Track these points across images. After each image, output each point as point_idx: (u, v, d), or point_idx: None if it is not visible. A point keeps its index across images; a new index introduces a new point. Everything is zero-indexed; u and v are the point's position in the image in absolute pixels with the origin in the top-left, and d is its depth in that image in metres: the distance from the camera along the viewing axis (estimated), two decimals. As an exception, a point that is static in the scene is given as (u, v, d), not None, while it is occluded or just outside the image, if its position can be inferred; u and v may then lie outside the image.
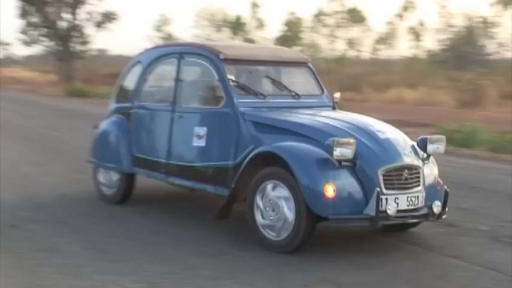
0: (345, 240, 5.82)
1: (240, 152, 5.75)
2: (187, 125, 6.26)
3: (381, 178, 5.16)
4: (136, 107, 6.89)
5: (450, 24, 36.36)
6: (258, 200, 5.41)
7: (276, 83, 6.45)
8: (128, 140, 6.85)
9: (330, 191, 5.01)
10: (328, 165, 5.14)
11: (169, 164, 6.41)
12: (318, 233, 5.42)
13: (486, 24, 35.41)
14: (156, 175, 6.64)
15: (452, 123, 12.85)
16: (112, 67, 34.33)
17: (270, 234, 5.35)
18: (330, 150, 5.12)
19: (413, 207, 5.30)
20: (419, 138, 5.72)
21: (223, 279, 4.72)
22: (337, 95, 6.59)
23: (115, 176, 6.99)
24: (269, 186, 5.36)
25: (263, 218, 5.40)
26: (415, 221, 5.49)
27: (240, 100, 5.91)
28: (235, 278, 4.76)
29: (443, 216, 5.51)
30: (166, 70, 6.76)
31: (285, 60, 6.72)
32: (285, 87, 6.41)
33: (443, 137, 5.81)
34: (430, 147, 5.62)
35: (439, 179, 5.74)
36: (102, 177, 7.16)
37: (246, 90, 6.07)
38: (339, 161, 5.15)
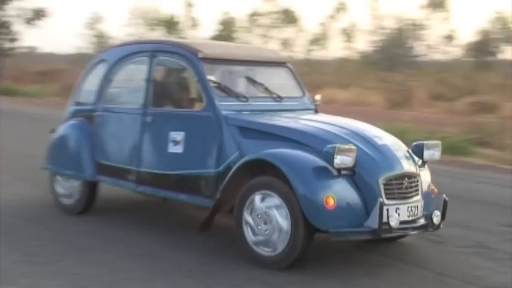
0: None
1: (223, 160, 5.33)
2: (161, 130, 5.77)
3: (381, 187, 4.85)
4: (100, 109, 6.35)
5: (381, 26, 37.11)
6: (247, 216, 5.01)
7: (257, 84, 6.04)
8: (91, 145, 6.33)
9: (330, 202, 4.67)
10: (328, 174, 4.79)
11: (140, 172, 5.90)
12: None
13: (415, 26, 36.24)
14: (123, 183, 6.12)
15: (381, 123, 13.06)
16: (42, 65, 33.61)
17: (265, 251, 4.94)
18: (329, 158, 4.77)
19: (413, 217, 5.02)
20: (414, 143, 5.47)
21: (152, 281, 4.66)
22: (317, 97, 6.27)
23: (75, 184, 6.47)
24: (257, 198, 4.96)
25: (254, 234, 4.98)
26: (415, 232, 5.17)
27: (221, 103, 5.46)
28: (165, 279, 4.70)
29: (441, 227, 5.19)
30: (136, 70, 6.29)
31: (264, 60, 6.31)
32: (267, 89, 6.01)
33: (439, 142, 5.53)
34: (426, 154, 5.36)
35: (434, 187, 5.53)
36: (60, 186, 6.62)
37: (226, 92, 5.63)
38: (339, 170, 4.81)
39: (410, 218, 4.98)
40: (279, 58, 6.58)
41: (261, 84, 6.02)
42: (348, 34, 39.93)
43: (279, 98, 5.98)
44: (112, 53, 6.63)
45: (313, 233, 4.83)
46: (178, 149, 5.59)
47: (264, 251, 4.93)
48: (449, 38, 36.61)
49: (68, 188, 6.54)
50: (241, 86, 5.96)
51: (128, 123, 6.08)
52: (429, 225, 5.07)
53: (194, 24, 42.22)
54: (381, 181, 4.86)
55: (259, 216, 4.94)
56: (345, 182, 4.81)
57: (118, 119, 6.22)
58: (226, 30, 40.53)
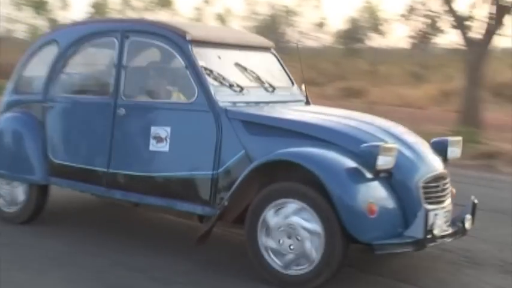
0: (135, 225, 5.86)
1: (224, 160, 4.58)
2: (138, 124, 4.95)
3: (421, 191, 4.32)
4: (51, 99, 5.39)
5: (255, 12, 37.45)
6: (264, 240, 4.31)
7: (248, 72, 5.20)
8: (41, 141, 5.36)
9: (373, 209, 4.07)
10: (367, 177, 4.19)
11: (110, 174, 5.02)
12: (111, 218, 5.72)
13: (288, 13, 36.86)
14: (88, 187, 5.23)
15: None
16: None
17: (298, 270, 4.24)
18: (370, 158, 4.17)
19: (448, 223, 4.51)
20: (434, 140, 4.92)
21: (12, 270, 4.48)
22: (303, 87, 5.61)
23: (20, 189, 5.54)
24: (270, 214, 4.29)
25: (280, 256, 4.28)
26: (450, 240, 4.53)
27: (218, 93, 4.70)
28: (25, 267, 4.53)
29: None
30: (100, 53, 5.51)
31: (250, 44, 5.51)
32: (258, 77, 5.21)
33: (461, 138, 4.99)
34: (450, 151, 4.83)
35: (452, 189, 4.87)
36: None
37: (220, 80, 4.85)
38: (377, 172, 4.22)
39: (446, 224, 4.48)
40: (264, 43, 5.74)
41: (252, 72, 5.23)
42: (222, 19, 40.03)
43: (272, 88, 5.24)
44: (65, 33, 5.66)
45: (348, 246, 4.20)
46: (163, 147, 4.79)
47: (298, 271, 4.23)
48: (320, 25, 37.53)
49: (9, 193, 5.62)
50: (232, 74, 5.07)
51: (92, 115, 5.21)
52: (461, 230, 4.55)
53: (64, 6, 40.79)
54: (420, 184, 4.34)
55: (280, 230, 4.25)
56: (384, 186, 4.23)
57: (78, 111, 5.32)
58: (98, 13, 39.49)
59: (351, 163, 4.19)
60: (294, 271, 4.23)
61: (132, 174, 4.94)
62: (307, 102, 5.48)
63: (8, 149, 5.56)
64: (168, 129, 4.76)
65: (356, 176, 4.16)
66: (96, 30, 5.42)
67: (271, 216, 4.26)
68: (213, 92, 4.67)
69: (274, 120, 4.63)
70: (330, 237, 4.06)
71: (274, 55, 5.67)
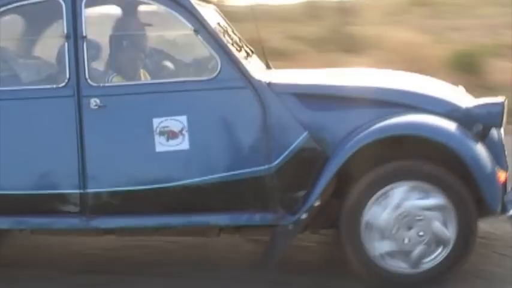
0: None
1: (281, 148, 3.49)
2: (124, 118, 3.51)
3: None
4: None
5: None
6: (372, 214, 3.44)
7: (232, 33, 3.95)
8: None
9: (501, 175, 3.55)
10: (482, 141, 3.59)
11: (89, 197, 3.51)
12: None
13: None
14: (51, 222, 3.58)
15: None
16: None
17: (397, 266, 3.49)
18: (492, 119, 3.55)
19: None
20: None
21: None
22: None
23: None
24: (401, 190, 3.44)
25: (382, 240, 3.47)
26: None
27: (243, 63, 3.55)
28: None
29: None
30: (35, 21, 3.93)
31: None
32: (240, 40, 4.01)
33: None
34: None
35: None
36: None
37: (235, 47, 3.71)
38: (486, 134, 3.63)
39: None
40: None
41: (234, 34, 4.02)
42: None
43: (251, 53, 4.03)
44: None
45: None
46: (179, 144, 3.47)
47: (395, 266, 3.50)
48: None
49: None
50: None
51: (39, 115, 3.53)
52: None
53: None
54: None
55: (404, 217, 3.44)
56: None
57: (9, 114, 3.53)
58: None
59: (464, 129, 3.49)
60: (428, 264, 3.48)
61: (131, 189, 3.51)
62: (269, 67, 4.31)
63: None
64: (183, 118, 3.46)
65: (478, 141, 3.50)
66: None
67: (377, 214, 3.43)
68: (242, 62, 3.50)
69: (337, 89, 3.63)
70: (459, 207, 3.39)
71: (217, 10, 4.22)
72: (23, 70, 3.71)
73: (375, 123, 3.42)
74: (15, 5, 3.52)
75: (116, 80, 3.58)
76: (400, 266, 3.46)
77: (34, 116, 3.50)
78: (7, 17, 3.63)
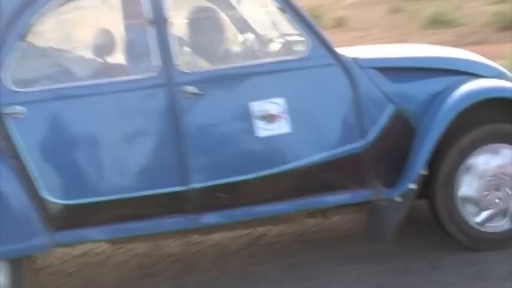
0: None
1: (371, 123, 3.45)
2: (223, 105, 3.29)
3: None
4: (15, 100, 3.06)
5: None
6: (464, 190, 3.51)
7: None
8: (18, 177, 3.06)
9: None
10: None
11: (197, 191, 3.23)
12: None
13: None
14: (149, 226, 3.24)
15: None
16: None
17: (492, 227, 3.57)
18: None
19: None
20: None
21: None
22: None
23: None
24: (482, 158, 3.52)
25: (479, 211, 3.55)
26: None
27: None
28: None
29: None
30: (107, 5, 3.53)
31: None
32: None
33: None
34: None
35: None
36: None
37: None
38: None
39: None
40: None
41: None
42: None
43: None
44: None
45: None
46: (280, 127, 3.32)
47: (491, 228, 3.57)
48: None
49: None
50: None
51: (131, 110, 3.21)
52: None
53: None
54: None
55: (489, 181, 3.51)
56: None
57: (86, 110, 3.16)
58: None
59: None
60: (492, 228, 3.55)
61: (238, 180, 3.27)
62: None
63: None
64: (281, 100, 3.31)
65: None
66: None
67: (483, 160, 3.50)
68: (327, 38, 3.40)
69: (413, 61, 3.69)
70: None
71: None
72: (102, 61, 3.39)
73: (455, 90, 3.46)
74: None
75: (201, 64, 3.39)
76: (471, 218, 3.51)
77: (125, 110, 3.20)
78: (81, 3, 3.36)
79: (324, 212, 3.59)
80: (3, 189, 3.00)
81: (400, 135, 3.47)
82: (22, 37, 3.06)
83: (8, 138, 3.04)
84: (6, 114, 3.03)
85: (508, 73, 3.85)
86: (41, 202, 3.06)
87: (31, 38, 3.11)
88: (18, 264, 3.09)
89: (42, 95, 3.09)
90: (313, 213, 3.58)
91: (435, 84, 3.56)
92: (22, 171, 3.04)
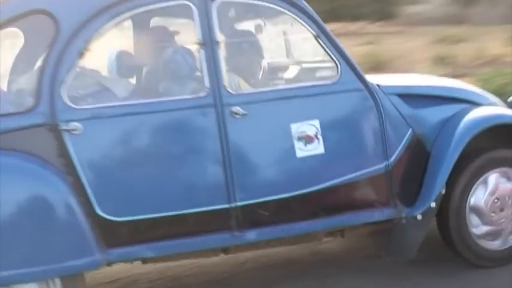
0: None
1: (394, 145, 3.66)
2: (268, 125, 3.42)
3: None
4: (72, 116, 3.06)
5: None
6: (473, 201, 3.80)
7: None
8: (74, 192, 3.03)
9: None
10: None
11: (240, 209, 3.33)
12: None
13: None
14: (202, 242, 3.31)
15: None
16: None
17: (490, 244, 3.86)
18: None
19: None
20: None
21: None
22: None
23: None
24: (495, 177, 3.81)
25: (482, 224, 3.82)
26: None
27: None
28: None
29: None
30: (159, 26, 3.67)
31: None
32: None
33: None
34: None
35: None
36: None
37: None
38: None
39: None
40: None
41: None
42: None
43: None
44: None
45: None
46: (316, 148, 3.48)
47: (489, 244, 3.85)
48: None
49: None
50: None
51: (175, 129, 3.28)
52: None
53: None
54: None
55: (497, 201, 3.80)
56: None
57: (141, 128, 3.22)
58: None
59: None
60: (485, 244, 3.85)
61: (278, 198, 3.39)
62: None
63: (8, 231, 2.94)
64: (316, 122, 3.48)
65: None
66: None
67: (496, 180, 3.81)
68: (356, 65, 3.62)
69: (426, 89, 4.00)
70: None
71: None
72: (156, 79, 3.50)
73: (465, 116, 3.79)
74: (142, 9, 3.25)
75: (241, 86, 3.50)
76: (493, 243, 3.83)
77: (174, 129, 3.28)
78: (135, 22, 3.50)
79: (342, 231, 3.76)
80: (60, 205, 3.00)
81: (417, 157, 3.71)
82: (80, 55, 3.10)
83: (64, 155, 3.04)
84: (63, 130, 3.05)
85: (498, 101, 4.19)
86: (95, 219, 3.06)
87: (87, 56, 3.15)
88: (70, 282, 3.07)
89: (97, 112, 3.12)
90: (332, 232, 3.74)
91: (444, 111, 3.85)
92: (78, 188, 3.05)
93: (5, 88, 3.31)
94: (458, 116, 3.81)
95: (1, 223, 2.89)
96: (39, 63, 3.11)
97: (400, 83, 4.02)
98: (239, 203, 3.32)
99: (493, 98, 4.22)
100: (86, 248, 3.03)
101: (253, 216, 3.36)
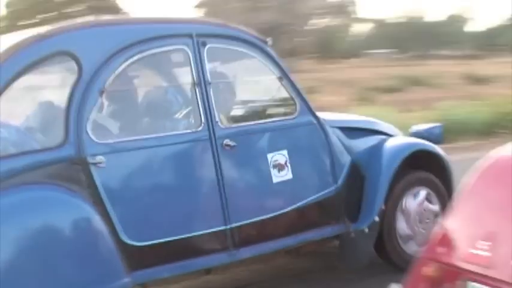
0: None
1: (339, 170, 4.28)
2: (252, 155, 3.94)
3: None
4: (97, 151, 3.34)
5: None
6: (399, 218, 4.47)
7: None
8: (100, 221, 3.28)
9: None
10: None
11: (234, 230, 3.78)
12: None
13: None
14: (204, 262, 3.69)
15: None
16: None
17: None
18: (438, 139, 4.94)
19: None
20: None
21: None
22: None
23: None
24: (410, 198, 4.51)
25: (407, 230, 4.49)
26: None
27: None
28: None
29: None
30: (161, 68, 4.08)
31: None
32: None
33: None
34: None
35: None
36: None
37: None
38: None
39: None
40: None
41: None
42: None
43: None
44: (85, 40, 3.51)
45: None
46: (286, 175, 4.01)
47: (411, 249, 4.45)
48: None
49: None
50: None
51: (180, 160, 3.69)
52: None
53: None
54: None
55: (415, 216, 4.50)
56: None
57: (153, 160, 3.58)
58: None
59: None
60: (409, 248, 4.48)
61: (262, 219, 3.88)
62: None
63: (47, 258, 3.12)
64: (285, 152, 4.02)
65: None
66: (149, 34, 3.65)
67: (411, 200, 4.49)
68: (309, 102, 4.24)
69: (357, 123, 4.76)
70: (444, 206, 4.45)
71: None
72: (155, 117, 3.89)
73: (390, 145, 4.52)
74: (131, 48, 3.56)
75: (224, 121, 3.93)
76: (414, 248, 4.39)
77: (176, 160, 3.67)
78: (123, 62, 3.61)
79: (297, 249, 4.31)
80: (93, 233, 3.25)
81: (356, 180, 4.35)
82: (101, 93, 3.40)
83: (92, 186, 3.30)
84: (91, 163, 3.31)
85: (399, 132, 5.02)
86: (121, 244, 3.33)
87: (106, 95, 3.47)
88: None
89: (116, 147, 3.43)
90: (288, 251, 4.30)
91: (370, 141, 4.57)
92: (105, 216, 3.31)
93: (29, 126, 3.51)
94: (380, 145, 4.52)
95: (41, 251, 3.07)
96: (65, 102, 3.35)
97: (337, 118, 4.70)
98: (233, 225, 3.76)
99: (396, 129, 5.04)
100: (117, 273, 3.29)
101: (245, 236, 3.80)
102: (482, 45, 38.36)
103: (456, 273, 2.40)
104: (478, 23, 69.68)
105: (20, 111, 3.51)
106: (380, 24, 44.05)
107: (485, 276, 2.30)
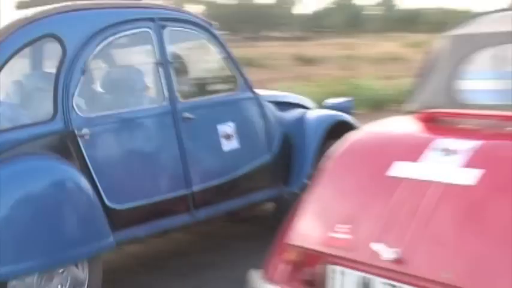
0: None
1: (273, 140, 4.84)
2: (206, 126, 4.41)
3: None
4: (82, 123, 3.67)
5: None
6: None
7: None
8: (89, 187, 3.60)
9: None
10: None
11: (195, 193, 4.26)
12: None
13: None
14: (170, 223, 4.12)
15: None
16: None
17: None
18: (348, 110, 5.42)
19: None
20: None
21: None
22: None
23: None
24: None
25: None
26: None
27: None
28: None
29: None
30: (130, 49, 4.50)
31: None
32: None
33: None
34: None
35: None
36: None
37: None
38: None
39: None
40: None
41: None
42: None
43: None
44: (68, 23, 3.80)
45: None
46: (233, 143, 4.54)
47: None
48: None
49: None
50: None
51: (150, 131, 4.10)
52: None
53: None
54: None
55: None
56: None
57: (128, 131, 3.97)
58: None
59: None
60: None
61: (217, 183, 4.41)
62: None
63: (40, 222, 3.37)
64: (232, 124, 4.56)
65: None
66: (120, 17, 4.01)
67: None
68: (248, 79, 4.76)
69: (278, 97, 5.25)
70: None
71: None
72: (127, 92, 4.28)
73: (314, 116, 5.08)
74: (107, 30, 3.92)
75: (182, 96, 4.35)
76: None
77: (147, 131, 4.09)
78: (100, 43, 3.92)
79: (235, 214, 4.90)
80: (81, 197, 3.58)
81: (287, 149, 4.93)
82: (83, 72, 3.70)
83: (79, 156, 3.64)
84: (78, 135, 3.63)
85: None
86: (104, 207, 3.69)
87: (86, 73, 3.78)
88: (94, 263, 3.61)
89: (97, 120, 3.78)
90: (222, 216, 4.79)
91: (296, 113, 5.12)
92: (91, 182, 3.64)
93: (22, 103, 3.77)
94: (309, 117, 5.09)
95: (39, 212, 3.36)
96: (52, 80, 3.63)
97: (269, 93, 5.22)
98: (194, 189, 4.26)
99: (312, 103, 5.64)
100: (104, 232, 3.64)
101: (202, 199, 4.30)
102: (310, 27, 40.50)
103: (316, 257, 2.42)
104: (305, 6, 73.72)
105: (12, 90, 3.78)
106: (211, 6, 45.00)
107: (345, 258, 2.32)
